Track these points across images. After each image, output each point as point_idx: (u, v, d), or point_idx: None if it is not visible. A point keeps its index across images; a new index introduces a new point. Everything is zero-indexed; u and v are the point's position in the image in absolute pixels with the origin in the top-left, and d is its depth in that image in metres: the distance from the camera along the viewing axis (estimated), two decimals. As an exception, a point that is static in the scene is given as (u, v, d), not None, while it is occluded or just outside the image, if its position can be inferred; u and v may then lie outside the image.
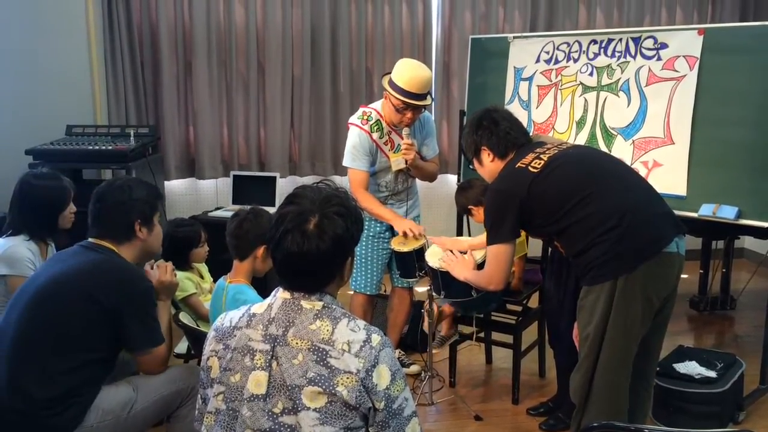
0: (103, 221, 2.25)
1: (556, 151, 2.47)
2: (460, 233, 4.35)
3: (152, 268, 2.42)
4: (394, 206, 3.46)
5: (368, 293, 3.50)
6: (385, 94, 3.26)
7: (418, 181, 3.57)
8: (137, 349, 2.20)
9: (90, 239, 2.26)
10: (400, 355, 3.64)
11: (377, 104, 3.38)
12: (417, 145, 3.39)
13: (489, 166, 2.62)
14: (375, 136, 3.32)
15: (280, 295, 1.61)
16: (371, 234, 3.47)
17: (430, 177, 3.55)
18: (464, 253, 2.94)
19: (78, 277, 2.13)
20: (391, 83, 3.19)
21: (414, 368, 3.58)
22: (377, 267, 3.50)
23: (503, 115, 2.63)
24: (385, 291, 3.75)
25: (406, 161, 3.25)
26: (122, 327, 2.12)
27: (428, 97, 3.23)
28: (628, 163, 3.63)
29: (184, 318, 2.71)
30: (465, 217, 4.47)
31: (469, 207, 3.30)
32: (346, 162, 3.36)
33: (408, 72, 3.16)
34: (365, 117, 3.35)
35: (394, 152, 3.33)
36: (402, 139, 3.28)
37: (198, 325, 2.83)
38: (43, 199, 2.77)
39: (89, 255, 2.20)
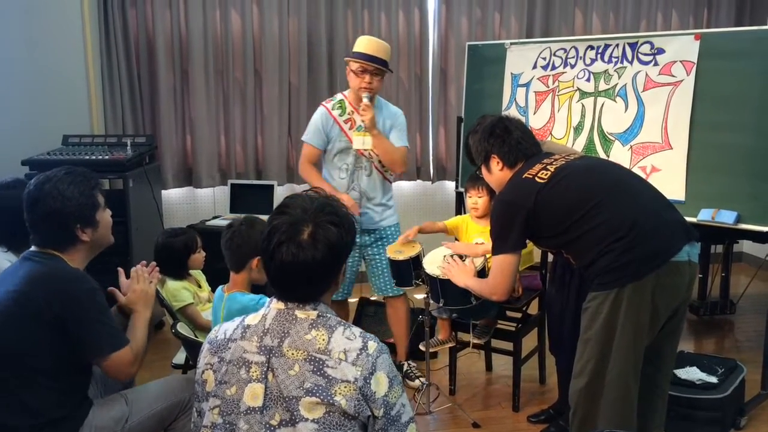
0: (40, 230, 2.11)
1: (563, 162, 2.46)
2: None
3: (126, 277, 2.29)
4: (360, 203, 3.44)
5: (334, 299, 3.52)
6: (347, 70, 3.40)
7: (412, 189, 3.56)
8: (94, 355, 2.05)
9: (33, 247, 2.13)
10: (409, 367, 3.60)
11: (348, 91, 3.51)
12: (384, 128, 3.42)
13: (497, 174, 2.60)
14: (335, 113, 3.44)
15: (273, 305, 1.59)
16: None
17: (394, 162, 3.42)
18: (464, 260, 2.93)
19: (14, 295, 2.01)
20: (351, 53, 3.38)
21: (417, 383, 3.49)
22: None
23: (516, 125, 2.61)
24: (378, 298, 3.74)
25: (364, 122, 3.28)
26: (71, 335, 2.00)
27: (387, 65, 3.35)
28: (629, 168, 3.63)
29: (182, 328, 2.69)
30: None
31: (479, 187, 3.29)
32: (303, 137, 3.53)
33: (364, 40, 3.39)
34: (331, 98, 3.54)
35: (355, 131, 3.39)
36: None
37: (196, 336, 2.81)
38: (15, 208, 2.62)
39: (26, 267, 2.06)
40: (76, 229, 2.10)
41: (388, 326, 3.99)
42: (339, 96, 3.52)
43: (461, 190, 4.36)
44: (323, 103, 3.53)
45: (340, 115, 3.43)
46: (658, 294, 2.26)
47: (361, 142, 3.32)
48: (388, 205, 3.54)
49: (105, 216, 2.19)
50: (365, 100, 3.29)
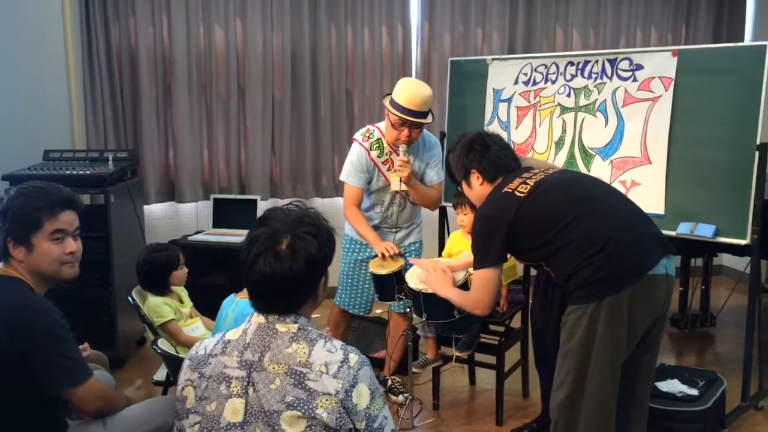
0: None
1: (542, 176, 2.49)
2: (441, 253, 4.33)
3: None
4: (387, 234, 3.44)
5: (348, 311, 3.53)
6: (385, 112, 3.28)
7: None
8: (57, 390, 1.95)
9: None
10: (393, 382, 3.59)
11: (382, 124, 3.40)
12: (420, 169, 3.39)
13: (477, 189, 2.63)
14: (374, 154, 3.34)
15: (254, 319, 1.59)
16: (360, 258, 3.47)
17: (431, 203, 3.49)
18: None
19: None
20: (391, 101, 3.22)
21: (401, 398, 3.47)
22: (364, 290, 3.49)
23: (494, 140, 2.65)
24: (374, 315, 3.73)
25: (401, 179, 3.23)
26: (32, 369, 1.88)
27: (428, 116, 3.23)
28: (607, 182, 3.66)
29: (163, 344, 2.67)
30: (447, 237, 4.47)
31: (462, 204, 3.27)
32: (342, 176, 3.41)
33: (407, 89, 3.19)
34: (367, 134, 3.38)
35: (393, 172, 3.31)
36: None
37: (177, 352, 2.79)
38: None
39: None
40: (8, 242, 1.98)
41: (373, 341, 3.99)
42: (375, 133, 3.38)
43: (445, 204, 4.37)
44: (359, 139, 3.38)
45: (378, 156, 3.35)
46: (636, 307, 2.28)
47: (399, 184, 3.24)
48: (415, 223, 3.57)
49: (45, 246, 2.00)
50: (402, 155, 3.21)
